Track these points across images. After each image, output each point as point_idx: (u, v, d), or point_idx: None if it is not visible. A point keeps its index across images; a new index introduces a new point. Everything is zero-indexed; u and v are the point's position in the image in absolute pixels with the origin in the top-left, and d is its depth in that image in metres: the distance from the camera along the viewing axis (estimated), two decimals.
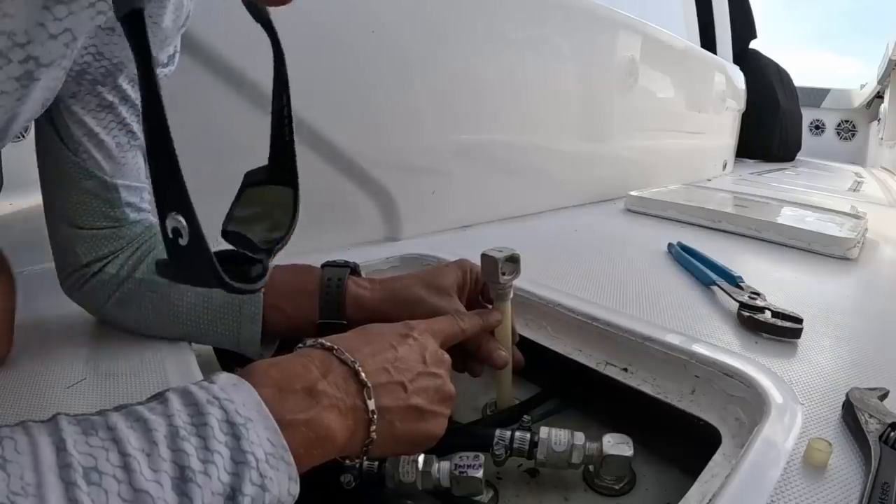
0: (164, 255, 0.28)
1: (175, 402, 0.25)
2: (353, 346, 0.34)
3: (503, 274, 0.47)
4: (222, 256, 0.28)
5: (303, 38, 0.70)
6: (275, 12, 0.38)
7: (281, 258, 0.51)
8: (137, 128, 0.47)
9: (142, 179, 0.49)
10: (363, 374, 0.32)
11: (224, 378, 0.27)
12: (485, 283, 0.52)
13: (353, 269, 0.50)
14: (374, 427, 0.32)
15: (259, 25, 0.37)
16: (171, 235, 0.27)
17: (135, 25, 0.26)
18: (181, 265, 0.28)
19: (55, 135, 0.44)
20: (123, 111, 0.45)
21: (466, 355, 0.49)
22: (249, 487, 0.24)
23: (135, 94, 0.45)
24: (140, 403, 0.25)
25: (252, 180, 0.37)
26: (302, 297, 0.48)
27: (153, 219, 0.50)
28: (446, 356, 0.39)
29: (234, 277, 0.28)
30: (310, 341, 0.34)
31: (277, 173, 0.37)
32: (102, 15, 0.34)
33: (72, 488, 0.20)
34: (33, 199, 0.45)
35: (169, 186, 0.26)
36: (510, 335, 0.51)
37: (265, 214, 0.37)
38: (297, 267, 0.50)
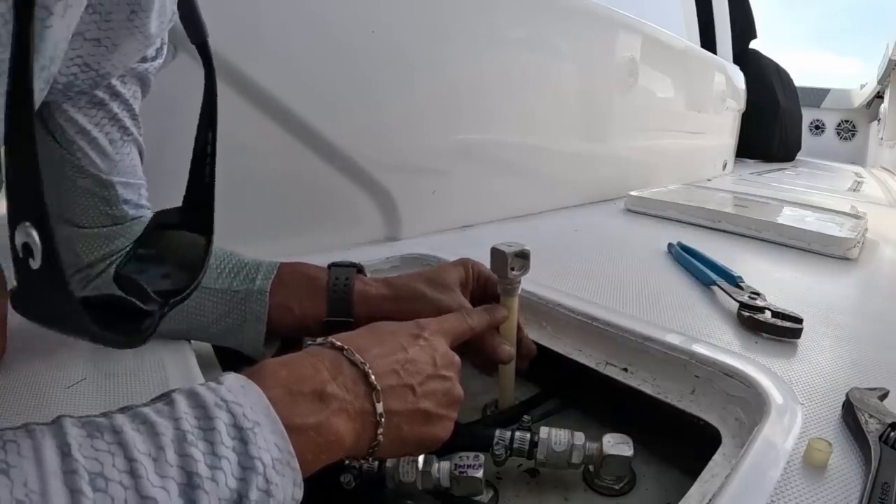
0: None
1: (182, 405, 0.24)
2: (363, 347, 0.33)
3: (512, 269, 0.47)
4: (106, 301, 0.24)
5: (303, 37, 0.70)
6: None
7: (281, 259, 0.51)
8: (129, 123, 0.46)
9: (139, 175, 0.49)
10: (373, 377, 0.32)
11: (232, 379, 0.27)
12: (487, 280, 0.52)
13: (359, 269, 0.51)
14: (381, 430, 0.32)
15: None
16: (20, 254, 0.21)
17: None
18: (32, 296, 0.22)
19: (48, 134, 0.43)
20: (115, 107, 0.44)
21: (470, 350, 0.49)
22: (255, 493, 0.24)
23: (124, 90, 0.45)
24: (145, 404, 0.25)
25: (162, 221, 0.34)
26: (310, 295, 0.48)
27: None
28: (456, 358, 0.39)
29: (111, 326, 0.23)
30: (319, 340, 0.33)
31: (191, 218, 0.34)
32: None
33: (77, 495, 0.20)
34: None
35: (24, 188, 0.21)
36: (515, 331, 0.51)
37: (168, 261, 0.34)
38: (305, 266, 0.50)
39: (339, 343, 0.33)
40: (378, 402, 0.31)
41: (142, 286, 0.31)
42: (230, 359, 0.51)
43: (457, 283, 0.50)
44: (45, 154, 0.44)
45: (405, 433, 0.34)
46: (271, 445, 0.25)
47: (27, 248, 0.21)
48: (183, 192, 0.36)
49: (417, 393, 0.34)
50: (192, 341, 0.50)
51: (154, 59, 0.47)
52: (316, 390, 0.29)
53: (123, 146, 0.46)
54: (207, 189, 0.34)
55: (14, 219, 0.21)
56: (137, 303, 0.29)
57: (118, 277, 0.32)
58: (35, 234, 0.20)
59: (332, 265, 0.50)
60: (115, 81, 0.44)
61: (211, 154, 0.33)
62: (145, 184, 0.50)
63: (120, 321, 0.25)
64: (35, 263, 0.21)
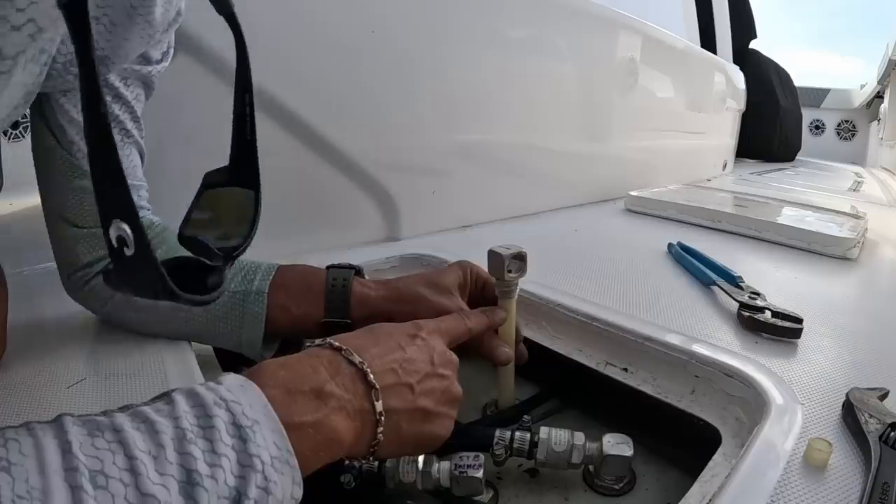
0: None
1: (182, 404, 0.25)
2: (361, 347, 0.33)
3: (509, 272, 0.47)
4: (175, 264, 0.26)
5: (303, 37, 0.70)
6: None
7: (281, 260, 0.51)
8: (131, 125, 0.47)
9: (138, 177, 0.49)
10: (371, 376, 0.32)
11: (231, 379, 0.27)
12: (486, 283, 0.52)
13: (358, 271, 0.51)
14: (380, 428, 0.32)
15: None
16: (115, 245, 0.25)
17: (74, 14, 0.24)
18: (127, 276, 0.26)
19: (49, 134, 0.44)
20: (115, 108, 0.45)
21: (469, 352, 0.49)
22: (254, 491, 0.24)
23: (126, 92, 0.45)
24: (146, 403, 0.25)
25: (212, 181, 0.36)
26: (308, 297, 0.48)
27: (153, 217, 0.50)
28: (454, 357, 0.39)
29: (186, 287, 0.27)
30: (318, 341, 0.34)
31: (238, 174, 0.35)
32: None
33: (78, 492, 0.20)
34: (33, 199, 0.45)
35: (111, 191, 0.25)
36: (514, 333, 0.51)
37: (224, 218, 0.35)
38: (303, 267, 0.50)
39: (336, 343, 0.33)
40: (377, 400, 0.32)
41: (205, 244, 0.33)
42: (230, 360, 0.51)
43: (455, 285, 0.50)
44: (46, 154, 0.45)
45: (405, 431, 0.34)
46: (270, 443, 0.25)
47: (121, 239, 0.25)
48: (183, 195, 0.37)
49: (416, 391, 0.34)
50: (193, 342, 0.50)
51: (159, 62, 0.47)
52: (314, 389, 0.29)
53: (124, 147, 0.46)
54: (250, 146, 0.35)
55: (107, 216, 0.25)
56: (205, 260, 0.32)
57: (182, 238, 0.34)
58: (127, 227, 0.24)
59: (331, 267, 0.50)
60: (117, 83, 0.44)
61: (250, 115, 0.34)
62: (146, 185, 0.50)
63: (190, 282, 0.28)
64: (129, 251, 0.25)
